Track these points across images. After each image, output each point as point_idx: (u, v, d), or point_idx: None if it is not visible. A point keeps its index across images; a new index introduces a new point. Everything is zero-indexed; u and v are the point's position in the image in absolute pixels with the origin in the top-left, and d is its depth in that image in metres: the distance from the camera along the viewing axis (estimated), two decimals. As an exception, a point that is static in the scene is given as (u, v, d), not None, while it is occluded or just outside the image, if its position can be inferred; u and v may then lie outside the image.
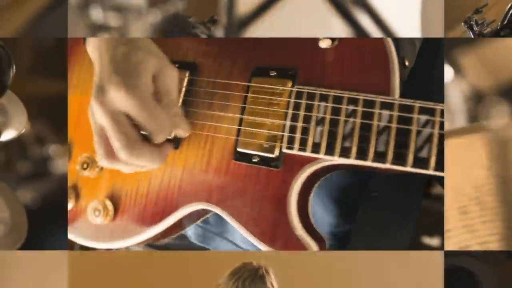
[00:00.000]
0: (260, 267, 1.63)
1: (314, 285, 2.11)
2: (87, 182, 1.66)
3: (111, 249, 1.70)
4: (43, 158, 1.62)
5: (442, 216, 1.47)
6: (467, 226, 1.46)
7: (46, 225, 1.67)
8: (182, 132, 1.56)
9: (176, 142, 1.59)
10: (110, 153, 1.48)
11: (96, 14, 1.53)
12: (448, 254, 1.55)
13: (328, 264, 2.12)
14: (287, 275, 1.67)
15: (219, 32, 1.91)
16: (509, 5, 1.82)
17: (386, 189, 1.69)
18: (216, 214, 1.53)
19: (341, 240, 1.67)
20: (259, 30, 2.15)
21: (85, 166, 1.64)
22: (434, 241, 1.59)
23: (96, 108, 1.45)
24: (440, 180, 1.43)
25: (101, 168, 1.66)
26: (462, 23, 1.83)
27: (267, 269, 1.62)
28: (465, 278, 1.67)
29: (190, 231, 1.70)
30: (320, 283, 2.13)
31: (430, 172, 1.32)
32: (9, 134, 1.34)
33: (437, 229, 1.50)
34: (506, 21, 1.83)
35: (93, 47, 1.55)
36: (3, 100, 1.32)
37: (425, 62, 1.65)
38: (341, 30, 2.14)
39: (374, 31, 2.13)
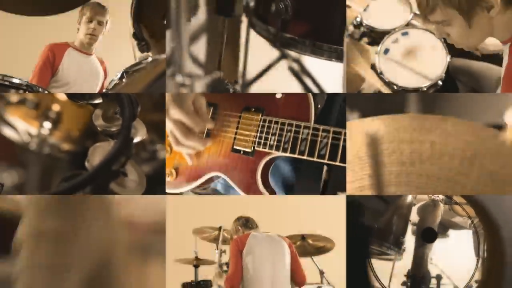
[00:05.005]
0: (249, 217, 1.90)
1: (272, 217, 2.06)
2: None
3: (181, 193, 1.75)
4: (153, 150, 1.67)
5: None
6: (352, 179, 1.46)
7: (155, 184, 1.60)
8: (209, 125, 1.65)
9: (207, 134, 1.67)
10: (176, 142, 1.63)
11: (178, 78, 1.54)
12: (348, 197, 1.59)
13: (274, 205, 2.18)
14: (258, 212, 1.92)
15: (238, 88, 1.98)
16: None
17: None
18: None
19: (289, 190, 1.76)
20: (257, 87, 2.16)
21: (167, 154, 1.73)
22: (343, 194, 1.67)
23: (167, 119, 1.61)
24: (331, 166, 1.49)
25: (171, 153, 1.73)
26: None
27: (253, 218, 1.89)
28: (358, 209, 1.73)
29: (219, 184, 1.74)
30: (270, 217, 2.06)
31: (326, 161, 1.44)
32: (137, 139, 1.38)
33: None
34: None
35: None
36: (135, 122, 1.37)
37: (328, 105, 1.67)
38: (297, 86, 2.12)
39: (313, 87, 2.11)
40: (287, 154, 1.52)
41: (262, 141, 1.57)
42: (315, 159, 1.45)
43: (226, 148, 1.64)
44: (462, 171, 1.37)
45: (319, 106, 1.57)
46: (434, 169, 1.38)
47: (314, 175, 1.64)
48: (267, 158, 1.56)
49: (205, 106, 1.65)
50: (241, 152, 1.61)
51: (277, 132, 1.54)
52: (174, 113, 1.60)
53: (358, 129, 1.45)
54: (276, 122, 1.55)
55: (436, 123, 1.40)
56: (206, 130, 1.68)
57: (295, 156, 1.49)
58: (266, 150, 1.56)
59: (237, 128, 1.64)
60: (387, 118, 1.42)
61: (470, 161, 1.37)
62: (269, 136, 1.56)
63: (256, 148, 1.58)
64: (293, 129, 1.51)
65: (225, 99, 1.71)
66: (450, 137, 1.38)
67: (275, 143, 1.54)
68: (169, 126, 1.62)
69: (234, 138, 1.63)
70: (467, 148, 1.37)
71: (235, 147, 1.62)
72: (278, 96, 1.59)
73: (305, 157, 1.47)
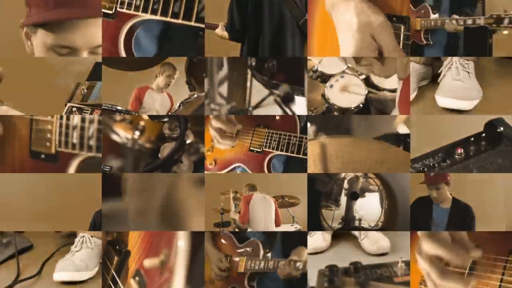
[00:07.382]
0: (254, 184, 1.95)
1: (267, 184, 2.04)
2: (207, 155, 1.73)
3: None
4: (197, 148, 1.64)
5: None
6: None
7: (198, 167, 1.58)
8: (238, 127, 1.66)
9: (236, 136, 1.66)
10: (217, 141, 1.67)
11: (212, 106, 1.68)
12: (308, 174, 1.56)
13: (267, 178, 2.08)
14: (263, 184, 1.95)
15: (245, 112, 2.01)
16: None
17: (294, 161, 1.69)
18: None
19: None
20: (256, 111, 2.19)
21: (208, 151, 1.71)
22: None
23: (210, 128, 1.63)
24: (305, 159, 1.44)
25: (212, 151, 1.72)
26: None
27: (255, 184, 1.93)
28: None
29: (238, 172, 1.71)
30: (264, 184, 2.02)
31: (302, 156, 1.49)
32: (188, 141, 1.41)
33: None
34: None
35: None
36: (187, 132, 1.41)
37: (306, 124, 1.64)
38: (279, 111, 2.03)
39: (289, 111, 1.99)
40: (283, 153, 1.60)
41: (267, 145, 1.65)
42: (301, 155, 1.55)
43: (245, 149, 1.70)
44: (375, 168, 1.48)
45: (301, 124, 1.65)
46: (360, 167, 1.48)
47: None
48: (270, 155, 1.65)
49: (234, 118, 1.68)
50: (255, 151, 1.67)
51: (277, 139, 1.62)
52: (214, 123, 1.66)
53: (316, 142, 1.48)
54: (276, 133, 1.62)
55: (361, 143, 1.49)
56: (236, 132, 1.70)
57: (288, 154, 1.58)
58: (270, 150, 1.64)
59: (252, 136, 1.69)
60: (336, 138, 1.49)
61: (380, 163, 1.47)
62: (271, 142, 1.63)
63: (264, 149, 1.66)
64: (287, 137, 1.59)
65: (245, 120, 1.74)
66: (369, 150, 1.47)
67: (275, 145, 1.63)
68: (212, 132, 1.67)
69: (250, 143, 1.69)
70: (378, 156, 1.46)
71: (251, 148, 1.68)
72: (277, 118, 1.67)
73: (294, 155, 1.56)
